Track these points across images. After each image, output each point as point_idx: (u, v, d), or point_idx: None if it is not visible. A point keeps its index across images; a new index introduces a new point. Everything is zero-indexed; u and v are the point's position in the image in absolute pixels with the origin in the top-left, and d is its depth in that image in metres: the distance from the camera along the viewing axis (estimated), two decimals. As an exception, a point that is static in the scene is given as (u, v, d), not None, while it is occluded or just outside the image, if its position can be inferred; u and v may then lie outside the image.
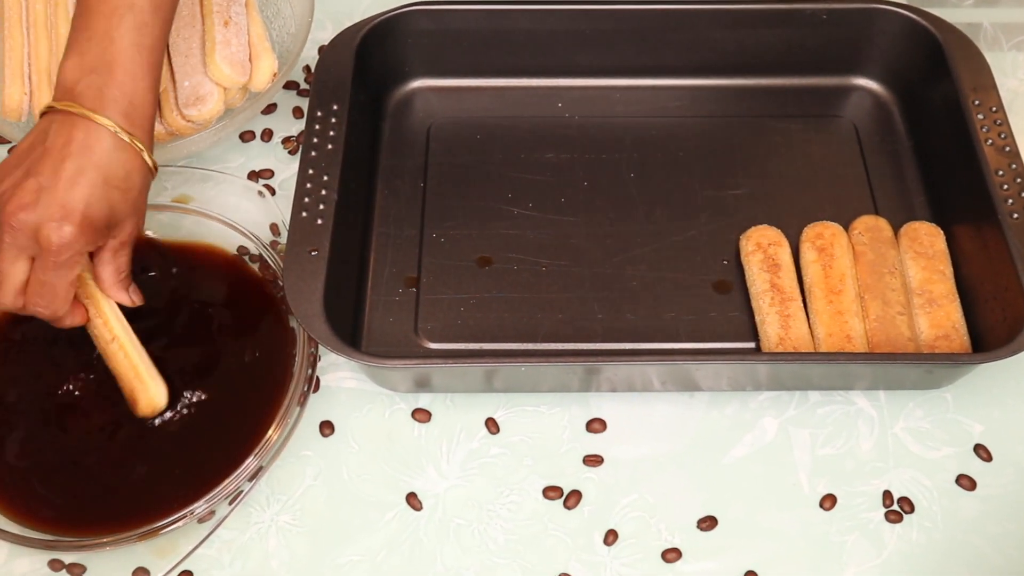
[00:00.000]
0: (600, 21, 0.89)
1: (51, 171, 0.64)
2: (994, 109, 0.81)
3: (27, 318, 0.77)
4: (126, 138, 0.66)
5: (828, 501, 0.71)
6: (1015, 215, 0.75)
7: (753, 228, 0.81)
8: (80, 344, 0.75)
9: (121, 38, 0.66)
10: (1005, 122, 0.80)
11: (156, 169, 0.70)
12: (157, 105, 0.68)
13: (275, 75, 0.87)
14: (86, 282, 0.71)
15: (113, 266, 0.70)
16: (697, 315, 0.79)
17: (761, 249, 0.79)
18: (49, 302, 0.67)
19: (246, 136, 0.92)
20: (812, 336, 0.76)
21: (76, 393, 0.74)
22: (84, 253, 0.66)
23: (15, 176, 0.65)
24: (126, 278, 0.71)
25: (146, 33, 0.67)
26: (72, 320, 0.70)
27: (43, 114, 0.67)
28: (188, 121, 0.85)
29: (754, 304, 0.77)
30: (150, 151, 0.68)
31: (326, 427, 0.75)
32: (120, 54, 0.66)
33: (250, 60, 0.87)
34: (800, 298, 0.77)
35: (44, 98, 0.84)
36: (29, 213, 0.63)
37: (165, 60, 0.86)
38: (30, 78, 0.85)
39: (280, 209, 0.82)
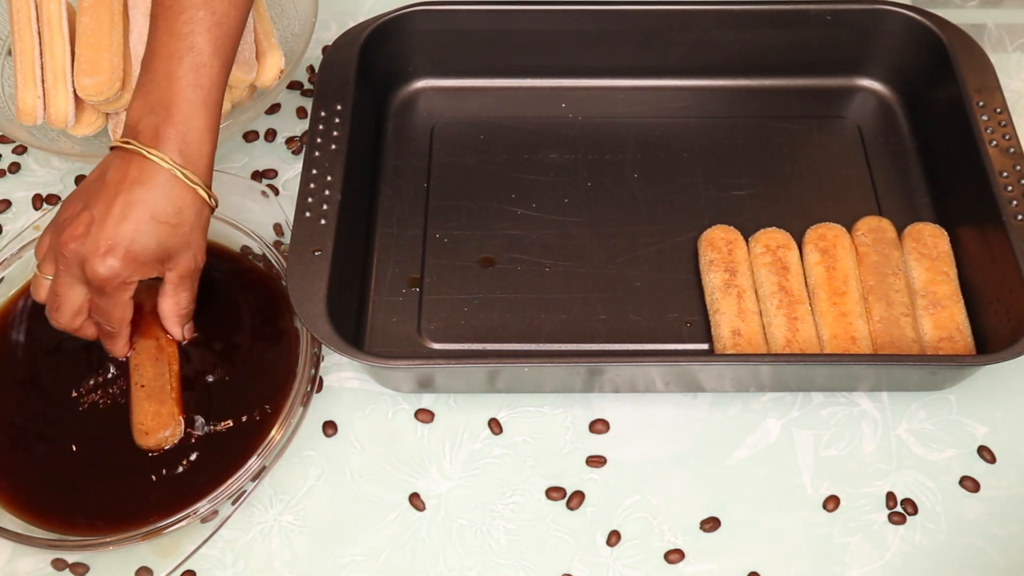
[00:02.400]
0: (604, 21, 0.89)
1: (104, 206, 0.67)
2: (998, 110, 0.80)
3: (27, 320, 0.78)
4: (179, 174, 0.68)
5: (831, 503, 0.71)
6: (1019, 216, 0.75)
7: (761, 231, 0.80)
8: (84, 347, 0.75)
9: (179, 79, 0.68)
10: (1009, 123, 0.80)
11: (216, 203, 0.71)
12: (215, 143, 0.70)
13: (282, 72, 0.87)
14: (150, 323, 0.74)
15: (173, 300, 0.72)
16: (700, 316, 0.79)
17: (770, 251, 0.79)
18: (106, 320, 0.71)
19: (250, 136, 0.92)
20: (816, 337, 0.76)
21: (81, 394, 0.74)
22: (133, 282, 0.69)
23: (75, 207, 0.69)
24: (185, 314, 0.74)
25: (204, 74, 0.69)
26: (123, 347, 0.73)
27: (112, 148, 0.70)
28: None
29: (761, 306, 0.77)
30: (206, 186, 0.70)
31: (329, 427, 0.75)
32: (178, 94, 0.68)
33: (256, 57, 0.87)
34: (808, 301, 0.77)
35: (59, 99, 0.84)
36: (79, 244, 0.67)
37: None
38: (43, 80, 0.85)
39: (284, 209, 0.82)
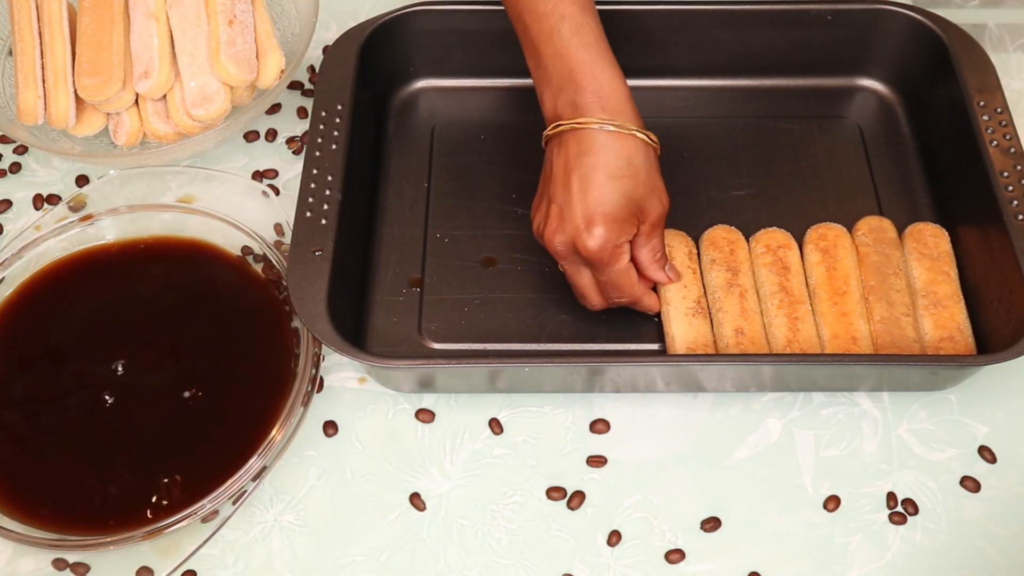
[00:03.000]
0: (604, 21, 0.88)
1: (563, 191, 0.70)
2: (999, 110, 0.80)
3: (28, 320, 0.78)
4: (611, 127, 0.68)
5: (832, 503, 0.71)
6: (1020, 216, 0.75)
7: (762, 231, 0.80)
8: (88, 347, 0.75)
9: (567, 49, 0.70)
10: (1010, 123, 0.80)
11: (657, 144, 0.71)
12: (628, 87, 0.70)
13: (282, 71, 0.87)
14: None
15: (648, 248, 0.73)
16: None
17: (770, 251, 0.79)
18: (620, 292, 0.73)
19: (250, 136, 0.92)
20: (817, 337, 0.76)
21: (83, 394, 0.74)
22: (622, 245, 0.70)
23: (541, 209, 0.72)
24: (661, 257, 0.74)
25: (585, 32, 0.70)
26: (651, 301, 0.75)
27: (545, 143, 0.73)
28: (195, 121, 0.85)
29: (762, 306, 0.77)
30: (641, 127, 0.70)
31: (330, 427, 0.75)
32: (573, 63, 0.69)
33: (257, 57, 0.87)
34: (808, 301, 0.77)
35: (60, 99, 0.84)
36: (562, 234, 0.70)
37: (171, 61, 0.87)
38: (44, 80, 0.85)
39: (284, 209, 0.82)
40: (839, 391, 0.76)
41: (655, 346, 0.78)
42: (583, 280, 0.74)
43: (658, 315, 0.77)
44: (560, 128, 0.70)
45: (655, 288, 0.77)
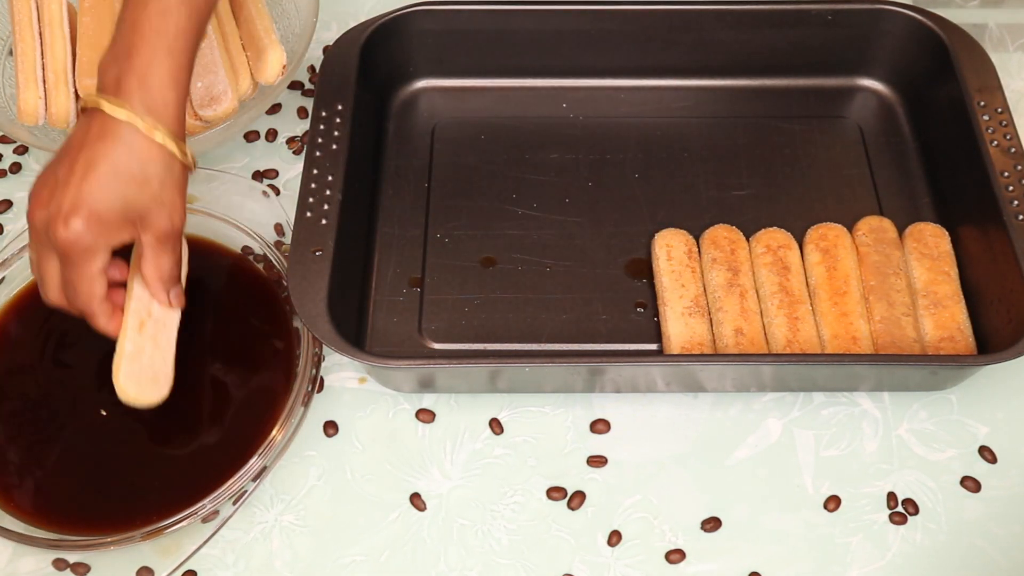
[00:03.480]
0: (605, 21, 0.89)
1: (67, 167, 0.64)
2: (999, 110, 0.80)
3: (28, 320, 0.78)
4: (140, 126, 0.63)
5: (832, 503, 0.71)
6: (1020, 216, 0.75)
7: (762, 231, 0.80)
8: (88, 346, 0.75)
9: (142, 24, 0.65)
10: (1010, 123, 0.80)
11: (192, 161, 0.68)
12: (183, 94, 0.66)
13: (284, 68, 0.87)
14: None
15: (153, 264, 0.68)
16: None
17: (771, 251, 0.79)
18: (74, 299, 0.66)
19: (251, 136, 0.92)
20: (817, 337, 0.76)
21: (83, 395, 0.74)
22: (100, 249, 0.64)
23: (45, 175, 0.66)
24: (168, 279, 0.69)
25: (169, 20, 0.65)
26: (107, 324, 0.68)
27: (82, 109, 0.67)
28: (204, 121, 0.85)
29: (762, 306, 0.77)
30: (176, 140, 0.65)
31: (330, 427, 0.75)
32: (139, 40, 0.64)
33: (258, 55, 0.87)
34: (809, 301, 0.77)
35: (60, 99, 0.84)
36: (43, 210, 0.64)
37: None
38: (45, 80, 0.85)
39: (284, 209, 0.82)
40: (839, 391, 0.76)
41: (654, 346, 0.78)
42: (46, 269, 0.66)
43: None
44: (95, 102, 0.64)
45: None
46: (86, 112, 0.65)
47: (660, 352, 0.77)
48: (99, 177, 0.63)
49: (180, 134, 0.66)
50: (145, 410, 0.71)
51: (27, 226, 0.66)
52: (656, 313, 0.78)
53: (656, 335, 0.78)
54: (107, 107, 0.63)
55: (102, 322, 0.67)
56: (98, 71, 0.66)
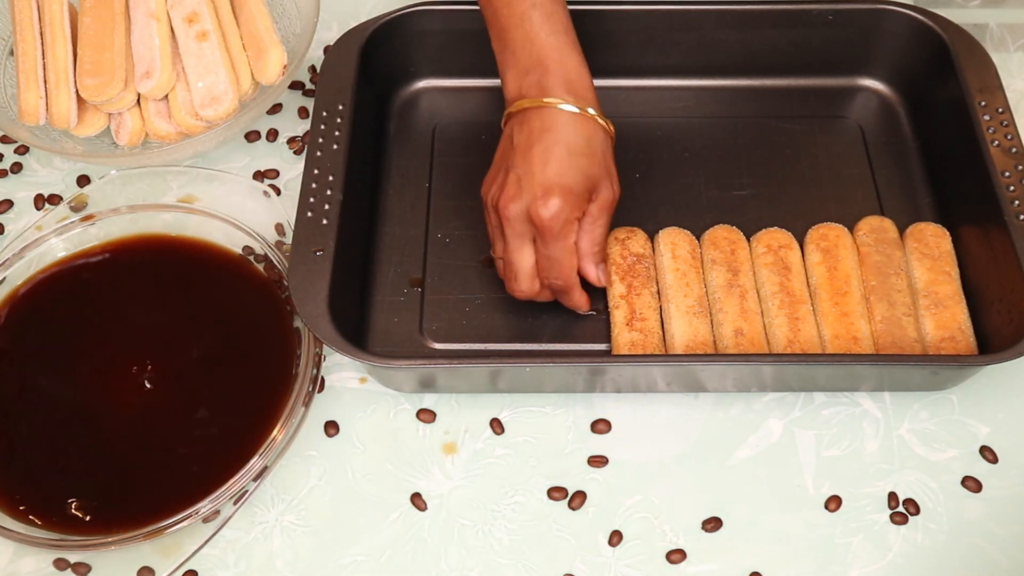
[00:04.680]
0: (605, 21, 0.89)
1: (523, 161, 0.71)
2: (1000, 110, 0.80)
3: (30, 322, 0.78)
4: (575, 108, 0.71)
5: (833, 503, 0.71)
6: (1021, 216, 0.75)
7: (763, 231, 0.81)
8: (89, 348, 0.75)
9: (537, 35, 0.72)
10: (1011, 123, 0.80)
11: (613, 135, 0.74)
12: (591, 75, 0.73)
13: (285, 68, 0.87)
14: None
15: (590, 235, 0.73)
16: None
17: (771, 251, 0.79)
18: (559, 273, 0.73)
19: (251, 136, 0.92)
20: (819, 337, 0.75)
21: (83, 394, 0.74)
22: (574, 221, 0.71)
23: (498, 179, 0.73)
24: (600, 252, 0.74)
25: (556, 20, 0.73)
26: (581, 297, 0.75)
27: (505, 121, 0.75)
28: (205, 121, 0.85)
29: (763, 306, 0.77)
30: (600, 114, 0.72)
31: (331, 427, 0.75)
32: (543, 48, 0.72)
33: (258, 55, 0.87)
34: (809, 301, 0.77)
35: (62, 100, 0.84)
36: (518, 202, 0.71)
37: (174, 62, 0.87)
38: (46, 80, 0.85)
39: (285, 209, 0.82)
40: (840, 391, 0.76)
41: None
42: (522, 258, 0.73)
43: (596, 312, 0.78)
44: (524, 106, 0.72)
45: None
46: (513, 118, 0.74)
47: (659, 352, 0.77)
48: (559, 159, 0.70)
49: (601, 110, 0.73)
50: (143, 408, 0.71)
51: (499, 226, 0.73)
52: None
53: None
54: (546, 103, 0.71)
55: (579, 293, 0.75)
56: (510, 89, 0.74)
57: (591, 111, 0.72)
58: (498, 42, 0.75)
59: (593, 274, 0.75)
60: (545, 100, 0.71)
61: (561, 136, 0.71)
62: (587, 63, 0.74)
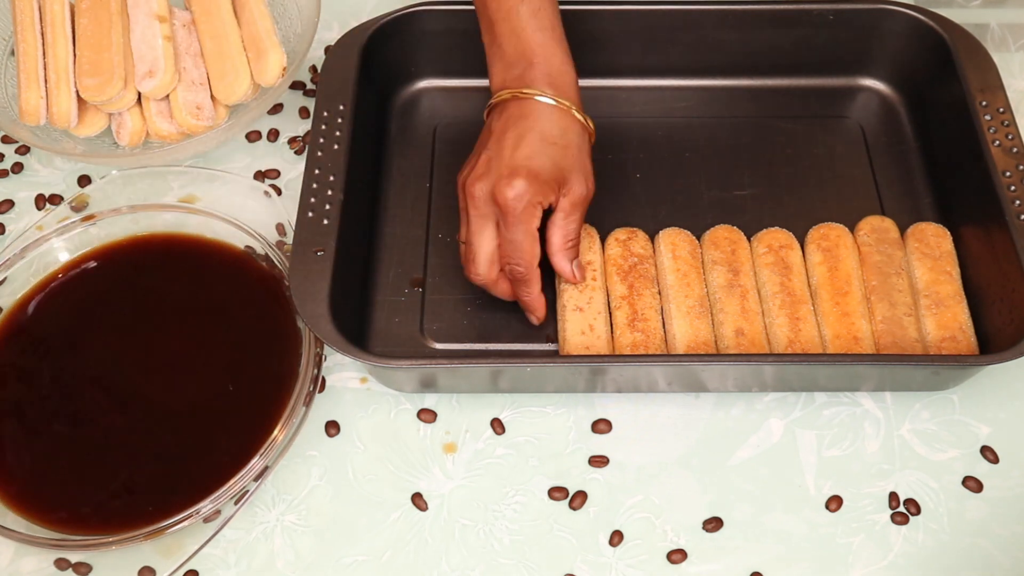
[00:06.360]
0: (606, 21, 0.89)
1: (495, 144, 0.72)
2: (1001, 110, 0.80)
3: (31, 322, 0.78)
4: (552, 100, 0.72)
5: (834, 503, 0.71)
6: (1022, 216, 0.75)
7: (764, 231, 0.81)
8: (90, 347, 0.75)
9: (523, 30, 0.74)
10: (1012, 123, 0.80)
11: (593, 130, 0.75)
12: (575, 72, 0.74)
13: (284, 69, 0.87)
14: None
15: (562, 231, 0.74)
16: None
17: (772, 251, 0.79)
18: (519, 258, 0.72)
19: (252, 136, 0.92)
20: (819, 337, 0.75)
21: (84, 394, 0.74)
22: (537, 205, 0.71)
23: (471, 161, 0.74)
24: (572, 247, 0.75)
25: (543, 16, 0.74)
26: (539, 298, 0.75)
27: (488, 111, 0.76)
28: (204, 122, 0.86)
29: (763, 306, 0.77)
30: (580, 111, 0.73)
31: (332, 427, 0.75)
32: (529, 42, 0.74)
33: (258, 56, 0.87)
34: (810, 301, 0.77)
35: (62, 100, 0.84)
36: (484, 181, 0.71)
37: (173, 63, 0.87)
38: (47, 80, 0.85)
39: (286, 209, 0.82)
40: (841, 391, 0.76)
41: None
42: (483, 240, 0.73)
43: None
44: (504, 96, 0.73)
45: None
46: (496, 107, 0.74)
47: (660, 352, 0.77)
48: (530, 144, 0.71)
49: (581, 107, 0.74)
50: (144, 409, 0.71)
51: (465, 204, 0.73)
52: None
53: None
54: (526, 93, 0.72)
55: (536, 291, 0.74)
56: (495, 81, 0.75)
57: (570, 105, 0.73)
58: (487, 35, 0.76)
59: (568, 270, 0.75)
60: (525, 91, 0.72)
61: (536, 124, 0.72)
62: (573, 60, 0.75)
